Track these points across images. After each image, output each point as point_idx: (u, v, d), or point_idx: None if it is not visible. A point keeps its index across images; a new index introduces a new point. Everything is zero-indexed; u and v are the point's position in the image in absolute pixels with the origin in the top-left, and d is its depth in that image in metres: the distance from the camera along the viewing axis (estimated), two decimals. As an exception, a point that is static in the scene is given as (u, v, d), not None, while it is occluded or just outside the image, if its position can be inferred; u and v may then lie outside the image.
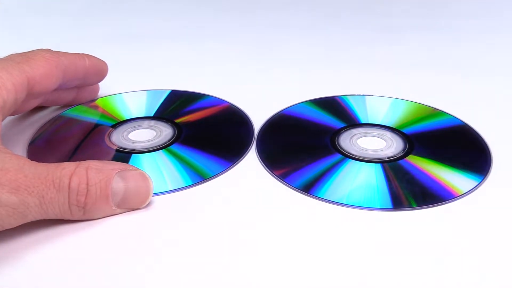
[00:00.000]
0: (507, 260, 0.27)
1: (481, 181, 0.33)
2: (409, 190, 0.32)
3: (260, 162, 0.35)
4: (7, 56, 0.34)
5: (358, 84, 0.45)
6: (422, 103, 0.42)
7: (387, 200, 0.31)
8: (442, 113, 0.40)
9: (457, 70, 0.48)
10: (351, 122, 0.39)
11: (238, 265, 0.27)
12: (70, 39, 0.56)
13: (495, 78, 0.47)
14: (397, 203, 0.31)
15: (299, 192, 0.32)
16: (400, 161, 0.35)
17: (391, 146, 0.36)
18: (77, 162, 0.29)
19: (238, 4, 0.66)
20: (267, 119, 0.40)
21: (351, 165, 0.34)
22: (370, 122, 0.39)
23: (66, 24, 0.61)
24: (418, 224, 0.30)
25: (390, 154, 0.36)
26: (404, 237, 0.29)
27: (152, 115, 0.40)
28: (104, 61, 0.40)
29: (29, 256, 0.28)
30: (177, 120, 0.39)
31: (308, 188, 0.32)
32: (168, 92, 0.44)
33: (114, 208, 0.30)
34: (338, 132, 0.38)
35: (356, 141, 0.37)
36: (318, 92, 0.42)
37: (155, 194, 0.32)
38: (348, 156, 0.35)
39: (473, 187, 0.32)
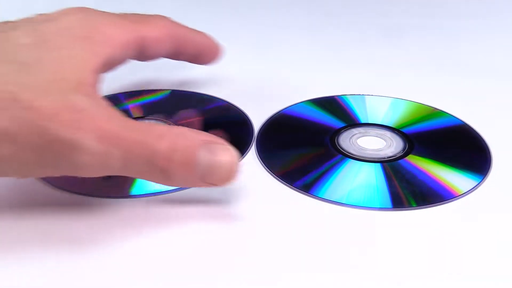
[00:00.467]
0: (508, 260, 0.27)
1: (481, 181, 0.33)
2: (409, 190, 0.32)
3: (260, 162, 0.35)
4: (124, 13, 0.34)
5: (358, 83, 0.45)
6: (422, 102, 0.42)
7: (387, 200, 0.31)
8: (442, 113, 0.40)
9: (457, 70, 0.48)
10: (351, 121, 0.39)
11: (238, 265, 0.27)
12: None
13: (495, 78, 0.47)
14: (397, 203, 0.31)
15: (299, 192, 0.32)
16: (400, 161, 0.35)
17: (391, 145, 0.36)
18: (169, 126, 0.29)
19: (238, 3, 0.66)
20: (267, 119, 0.40)
21: (351, 164, 0.34)
22: (370, 121, 0.39)
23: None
24: (418, 224, 0.30)
25: (390, 154, 0.36)
26: (404, 236, 0.29)
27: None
28: (219, 45, 0.39)
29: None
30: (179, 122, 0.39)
31: (308, 188, 0.32)
32: (168, 92, 0.44)
33: (197, 179, 0.29)
34: (338, 131, 0.38)
35: (356, 141, 0.37)
36: (318, 91, 0.42)
37: (154, 194, 0.32)
38: (348, 155, 0.35)
39: (473, 187, 0.32)
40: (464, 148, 0.36)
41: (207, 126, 0.39)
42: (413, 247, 0.28)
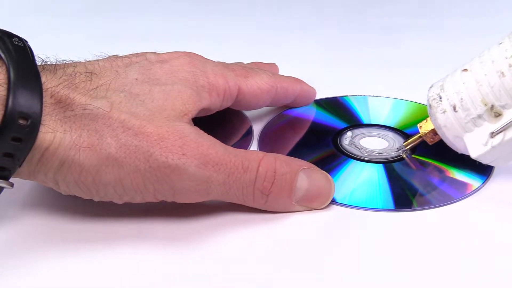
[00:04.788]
0: (509, 261, 0.27)
1: (484, 181, 0.33)
2: (411, 191, 0.32)
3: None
4: (229, 64, 0.37)
5: (360, 84, 0.45)
6: (424, 103, 0.42)
7: (389, 201, 0.31)
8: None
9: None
10: (353, 122, 0.39)
11: (238, 266, 0.27)
12: (71, 39, 0.56)
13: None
14: (399, 203, 0.31)
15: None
16: (402, 162, 0.35)
17: (393, 146, 0.36)
18: (265, 152, 0.30)
19: (239, 4, 0.66)
20: (267, 119, 0.40)
21: (353, 165, 0.34)
22: (372, 122, 0.39)
23: (66, 24, 0.61)
24: (420, 224, 0.30)
25: (393, 155, 0.35)
26: (406, 237, 0.29)
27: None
28: (314, 89, 0.41)
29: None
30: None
31: (310, 189, 0.32)
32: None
33: (294, 203, 0.30)
34: (340, 132, 0.38)
35: (358, 142, 0.37)
36: (319, 92, 0.42)
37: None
38: (350, 156, 0.35)
39: (476, 188, 0.32)
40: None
41: (207, 127, 0.39)
42: (414, 248, 0.28)
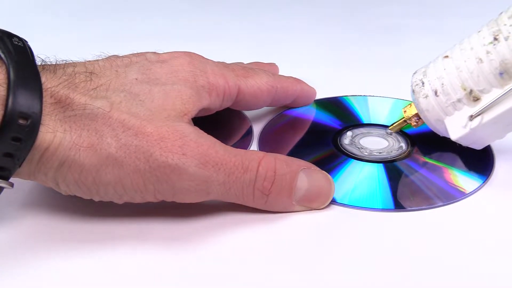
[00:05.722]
0: (510, 261, 0.27)
1: (484, 181, 0.33)
2: (411, 191, 0.32)
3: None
4: (229, 64, 0.37)
5: (360, 84, 0.45)
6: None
7: (389, 201, 0.31)
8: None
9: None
10: (353, 122, 0.39)
11: (238, 266, 0.27)
12: (71, 39, 0.56)
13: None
14: (399, 203, 0.31)
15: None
16: (403, 161, 0.35)
17: (393, 146, 0.36)
18: (265, 152, 0.30)
19: (239, 4, 0.66)
20: (267, 119, 0.40)
21: (353, 165, 0.34)
22: (372, 122, 0.39)
23: (66, 24, 0.61)
24: (420, 224, 0.30)
25: (393, 154, 0.35)
26: (406, 237, 0.29)
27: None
28: (314, 89, 0.41)
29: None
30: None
31: (310, 189, 0.32)
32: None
33: (294, 203, 0.30)
34: (340, 132, 0.38)
35: (358, 141, 0.37)
36: (319, 92, 0.42)
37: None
38: (350, 156, 0.35)
39: (476, 187, 0.32)
40: (467, 149, 0.36)
41: (207, 127, 0.39)
42: (414, 248, 0.28)
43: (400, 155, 0.35)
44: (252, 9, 0.65)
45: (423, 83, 0.33)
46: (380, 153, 0.36)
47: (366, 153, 0.35)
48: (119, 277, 0.27)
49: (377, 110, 0.41)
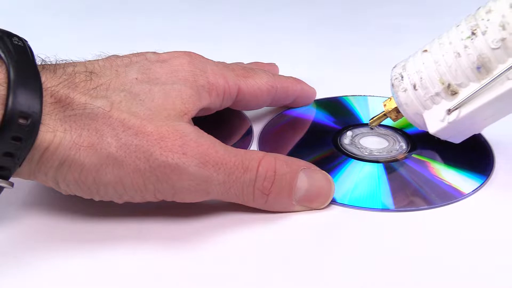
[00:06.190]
0: (510, 261, 0.27)
1: (484, 181, 0.33)
2: (411, 191, 0.32)
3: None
4: (229, 64, 0.37)
5: (360, 84, 0.45)
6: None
7: (389, 201, 0.31)
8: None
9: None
10: (353, 122, 0.39)
11: (238, 266, 0.27)
12: (71, 39, 0.56)
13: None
14: (399, 203, 0.31)
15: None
16: (403, 161, 0.35)
17: (393, 146, 0.36)
18: (265, 152, 0.30)
19: (239, 4, 0.66)
20: (267, 119, 0.40)
21: (353, 165, 0.34)
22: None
23: (66, 24, 0.61)
24: (420, 224, 0.30)
25: (393, 154, 0.35)
26: (406, 237, 0.29)
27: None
28: (314, 89, 0.41)
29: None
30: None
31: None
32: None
33: (293, 203, 0.30)
34: (340, 132, 0.38)
35: (358, 141, 0.37)
36: (319, 92, 0.42)
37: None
38: (350, 156, 0.35)
39: (475, 187, 0.32)
40: (466, 149, 0.36)
41: (207, 127, 0.39)
42: (414, 248, 0.28)
43: (400, 155, 0.35)
44: (252, 9, 0.65)
45: (402, 77, 0.33)
46: (380, 153, 0.36)
47: (366, 153, 0.35)
48: (119, 277, 0.27)
49: (377, 110, 0.41)
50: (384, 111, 0.36)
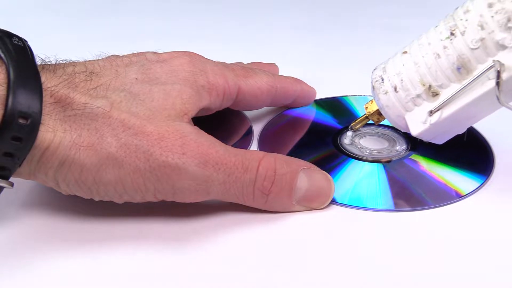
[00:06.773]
0: (510, 261, 0.27)
1: (484, 181, 0.33)
2: (411, 191, 0.32)
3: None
4: (229, 64, 0.37)
5: (360, 84, 0.44)
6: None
7: (389, 201, 0.31)
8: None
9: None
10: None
11: (238, 266, 0.27)
12: (71, 39, 0.56)
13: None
14: (399, 203, 0.31)
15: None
16: (403, 161, 0.35)
17: (393, 146, 0.36)
18: (265, 152, 0.30)
19: (238, 4, 0.66)
20: (267, 119, 0.40)
21: (353, 165, 0.34)
22: (372, 122, 0.39)
23: (66, 24, 0.61)
24: (420, 224, 0.30)
25: (393, 154, 0.35)
26: (406, 237, 0.29)
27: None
28: (314, 89, 0.41)
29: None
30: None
31: (310, 189, 0.32)
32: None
33: (293, 203, 0.30)
34: (340, 132, 0.38)
35: (358, 141, 0.37)
36: (319, 92, 0.42)
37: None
38: (350, 156, 0.35)
39: (476, 187, 0.32)
40: (467, 149, 0.36)
41: (207, 127, 0.39)
42: (414, 248, 0.28)
43: (400, 155, 0.35)
44: (252, 9, 0.65)
45: (382, 80, 0.33)
46: (380, 153, 0.36)
47: (366, 153, 0.35)
48: (119, 277, 0.27)
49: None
50: (366, 114, 0.35)
